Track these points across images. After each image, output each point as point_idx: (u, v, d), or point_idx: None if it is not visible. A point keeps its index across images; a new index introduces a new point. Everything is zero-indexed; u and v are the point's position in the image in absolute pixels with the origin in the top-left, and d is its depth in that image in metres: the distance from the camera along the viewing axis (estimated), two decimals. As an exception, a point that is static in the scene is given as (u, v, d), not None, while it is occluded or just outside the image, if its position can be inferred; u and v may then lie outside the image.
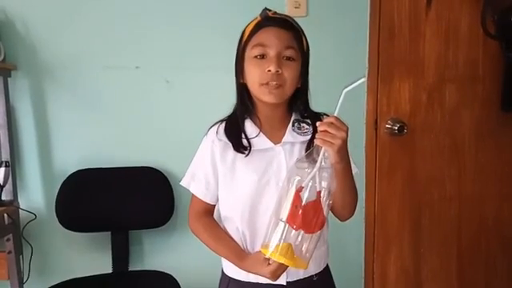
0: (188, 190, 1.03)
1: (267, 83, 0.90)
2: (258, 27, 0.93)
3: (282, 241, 0.81)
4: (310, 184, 0.81)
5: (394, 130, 1.65)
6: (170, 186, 1.56)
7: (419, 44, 1.67)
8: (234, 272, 0.98)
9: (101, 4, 1.53)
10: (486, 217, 1.79)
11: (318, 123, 0.83)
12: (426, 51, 1.68)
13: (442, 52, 1.69)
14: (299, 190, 0.81)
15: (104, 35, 1.55)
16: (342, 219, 0.98)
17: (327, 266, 1.04)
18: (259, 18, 0.94)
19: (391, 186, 1.72)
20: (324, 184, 0.82)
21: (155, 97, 1.59)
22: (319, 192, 0.81)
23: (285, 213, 0.81)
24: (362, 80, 0.84)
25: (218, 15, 1.57)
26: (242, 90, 0.97)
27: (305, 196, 0.81)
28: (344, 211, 0.96)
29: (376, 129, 1.68)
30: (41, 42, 1.52)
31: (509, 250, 1.82)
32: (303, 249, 0.83)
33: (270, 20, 0.93)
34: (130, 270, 1.57)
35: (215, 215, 1.04)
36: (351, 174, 0.91)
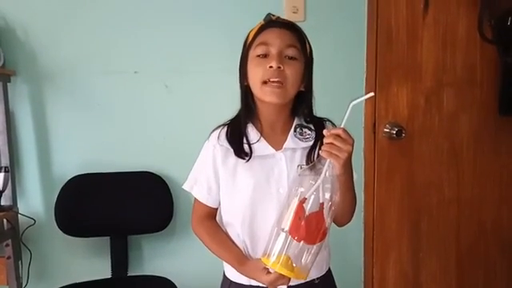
0: (187, 195, 1.04)
1: (269, 80, 0.90)
2: (262, 29, 0.95)
3: (283, 252, 0.82)
4: (314, 195, 0.81)
5: (393, 134, 1.65)
6: (169, 190, 1.56)
7: (417, 48, 1.68)
8: (236, 276, 0.98)
9: (99, 10, 1.54)
10: (485, 220, 1.80)
11: (324, 132, 0.84)
12: (423, 56, 1.69)
13: (439, 56, 1.70)
14: (302, 202, 0.81)
15: (103, 40, 1.55)
16: (339, 225, 0.98)
17: (329, 269, 1.04)
18: (263, 22, 0.96)
19: (390, 189, 1.72)
20: (327, 195, 0.82)
21: (154, 101, 1.59)
22: (322, 204, 0.82)
23: (287, 223, 0.82)
24: (370, 95, 0.84)
25: (217, 19, 1.58)
26: (246, 93, 0.97)
27: (308, 207, 0.81)
28: (342, 219, 0.97)
29: (374, 133, 1.68)
30: (40, 47, 1.53)
31: (508, 253, 1.82)
32: (303, 259, 0.83)
33: (273, 22, 0.95)
34: (129, 275, 1.57)
35: (218, 219, 1.04)
36: (353, 184, 0.92)
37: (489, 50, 1.71)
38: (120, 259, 1.55)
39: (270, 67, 0.90)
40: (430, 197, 1.75)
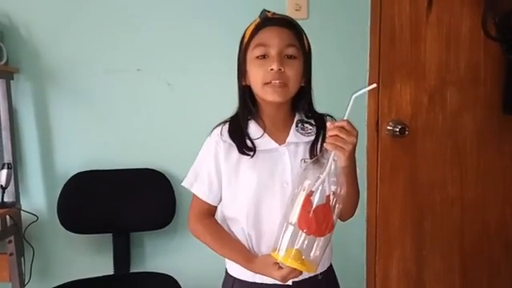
0: (189, 192, 1.03)
1: (270, 82, 0.90)
2: (258, 28, 0.93)
3: (293, 245, 0.82)
4: (320, 188, 0.81)
5: (396, 131, 1.65)
6: (171, 187, 1.57)
7: (420, 47, 1.67)
8: (239, 272, 0.98)
9: (102, 8, 1.54)
10: (489, 219, 1.79)
11: (328, 124, 0.83)
12: (427, 54, 1.68)
13: (443, 55, 1.69)
14: (309, 195, 0.81)
15: (105, 38, 1.56)
16: (343, 219, 0.97)
17: (331, 265, 1.04)
18: (258, 20, 0.95)
19: (393, 188, 1.71)
20: (333, 188, 0.82)
21: (157, 99, 1.59)
22: (328, 196, 0.82)
23: (295, 217, 0.82)
24: (373, 86, 0.84)
25: (220, 18, 1.58)
26: (244, 93, 0.97)
27: (315, 200, 0.81)
28: (346, 212, 0.96)
29: (377, 130, 1.68)
30: (43, 45, 1.53)
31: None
32: (313, 253, 0.83)
33: (269, 20, 0.94)
34: (131, 271, 1.57)
35: (217, 217, 1.03)
36: (356, 176, 0.92)
37: (492, 48, 1.70)
38: (122, 256, 1.56)
39: (271, 70, 0.89)
40: (433, 195, 1.74)
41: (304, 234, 0.81)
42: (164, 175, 1.58)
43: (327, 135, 0.83)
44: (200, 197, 1.00)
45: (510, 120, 1.75)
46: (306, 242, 0.81)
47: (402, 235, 1.74)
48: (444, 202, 1.75)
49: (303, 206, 0.81)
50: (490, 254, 1.80)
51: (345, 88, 1.57)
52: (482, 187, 1.77)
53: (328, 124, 0.84)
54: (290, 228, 0.82)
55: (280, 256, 0.82)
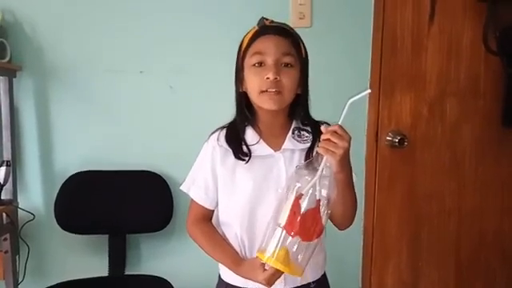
0: (187, 196, 1.04)
1: (266, 90, 0.91)
2: (256, 36, 0.95)
3: (278, 247, 0.81)
4: (310, 192, 0.81)
5: (395, 142, 1.65)
6: (169, 190, 1.56)
7: (421, 58, 1.68)
8: (232, 278, 0.98)
9: (107, 8, 1.55)
10: (486, 231, 1.79)
11: (322, 128, 0.84)
12: (427, 65, 1.69)
13: (443, 66, 1.70)
14: (299, 198, 0.81)
15: (109, 39, 1.56)
16: (341, 228, 0.98)
17: (324, 273, 1.04)
18: (257, 28, 0.96)
19: (391, 198, 1.71)
20: (324, 192, 0.82)
21: (158, 101, 1.60)
22: (319, 200, 0.82)
23: (283, 219, 0.82)
24: (367, 91, 0.85)
25: (223, 22, 1.59)
26: (241, 99, 0.98)
27: (304, 204, 0.81)
28: (343, 220, 0.96)
29: (376, 141, 1.68)
30: (47, 44, 1.54)
31: (509, 264, 1.81)
32: (299, 256, 0.83)
33: (267, 28, 0.95)
34: (126, 273, 1.56)
35: (214, 220, 1.04)
36: (352, 183, 0.91)
37: (493, 61, 1.71)
38: (118, 258, 1.55)
39: (267, 78, 0.90)
40: (430, 206, 1.74)
41: (290, 237, 0.81)
42: (162, 178, 1.57)
43: (320, 139, 0.84)
44: (197, 201, 1.02)
45: (508, 133, 1.75)
46: (292, 245, 0.82)
47: (399, 245, 1.74)
48: (441, 213, 1.75)
49: (292, 208, 0.81)
50: (487, 265, 1.80)
51: (347, 96, 1.59)
52: (479, 199, 1.77)
53: (322, 128, 0.84)
54: (278, 229, 0.82)
55: (265, 256, 0.83)
